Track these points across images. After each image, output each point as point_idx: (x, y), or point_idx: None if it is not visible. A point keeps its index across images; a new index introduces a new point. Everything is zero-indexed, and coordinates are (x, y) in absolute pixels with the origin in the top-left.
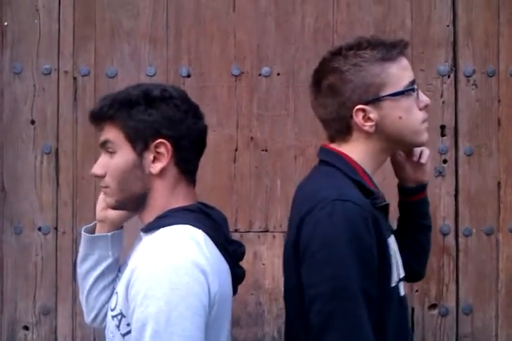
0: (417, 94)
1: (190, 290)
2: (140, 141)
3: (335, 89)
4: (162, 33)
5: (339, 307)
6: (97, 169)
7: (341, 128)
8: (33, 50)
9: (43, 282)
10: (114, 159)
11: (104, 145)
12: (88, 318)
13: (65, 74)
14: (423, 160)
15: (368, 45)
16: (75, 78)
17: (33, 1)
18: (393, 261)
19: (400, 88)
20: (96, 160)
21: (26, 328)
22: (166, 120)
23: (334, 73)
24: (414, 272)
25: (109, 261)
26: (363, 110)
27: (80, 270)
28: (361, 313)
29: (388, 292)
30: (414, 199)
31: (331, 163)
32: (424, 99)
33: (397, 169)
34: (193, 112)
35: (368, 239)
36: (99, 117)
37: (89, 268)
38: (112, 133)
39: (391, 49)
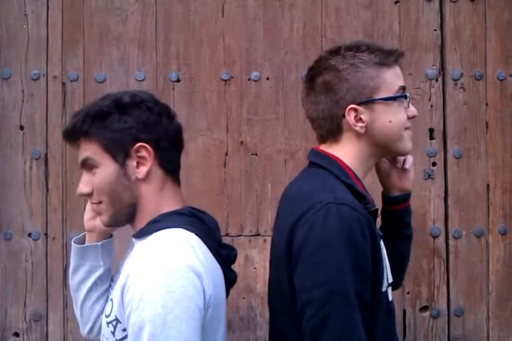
0: (409, 102)
1: (185, 293)
2: (120, 151)
3: (329, 87)
4: (151, 38)
5: (333, 312)
6: (82, 188)
7: (332, 127)
8: (21, 55)
9: (34, 288)
10: (97, 174)
11: (85, 163)
12: (84, 330)
13: (53, 80)
14: (407, 166)
15: (367, 48)
16: (63, 83)
17: (21, 6)
18: (384, 266)
19: (391, 94)
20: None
21: (17, 335)
22: (142, 124)
23: (330, 71)
24: (394, 280)
25: (100, 270)
26: (355, 110)
27: (72, 281)
28: (355, 317)
29: (379, 296)
30: (398, 208)
31: (323, 165)
32: (413, 109)
33: (382, 176)
34: (167, 113)
35: (362, 243)
36: (74, 134)
37: (81, 279)
38: (89, 150)
39: (388, 56)
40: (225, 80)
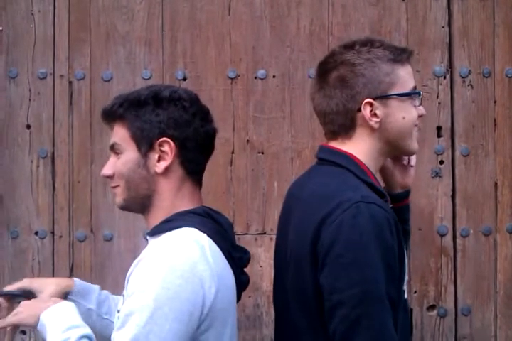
0: (421, 100)
1: (180, 293)
2: (145, 141)
3: (345, 81)
4: (157, 36)
5: (367, 312)
6: (106, 170)
7: (345, 121)
8: (28, 54)
9: None
10: (120, 159)
11: (112, 147)
12: None
13: (60, 78)
14: (412, 163)
15: (381, 44)
16: (70, 82)
17: (28, 5)
18: (406, 264)
19: (406, 91)
20: (92, 164)
21: (23, 332)
22: (172, 121)
23: (346, 66)
24: None
25: (93, 313)
26: (371, 105)
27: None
28: (387, 317)
29: (400, 294)
30: (400, 204)
31: (340, 164)
32: (422, 108)
33: (385, 175)
34: (202, 115)
35: (390, 242)
36: (110, 116)
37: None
38: (119, 134)
39: (401, 53)
40: (232, 78)
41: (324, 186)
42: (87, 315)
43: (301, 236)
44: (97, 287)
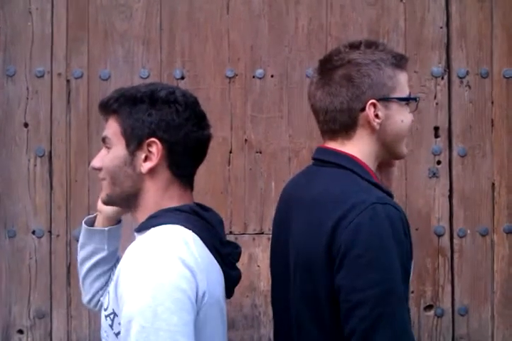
0: (416, 107)
1: (176, 285)
2: (134, 140)
3: (351, 80)
4: (155, 35)
5: (388, 311)
6: (95, 162)
7: (348, 120)
8: (26, 52)
9: (38, 285)
10: (109, 154)
11: (104, 140)
12: (84, 299)
13: (58, 77)
14: (394, 164)
15: (384, 48)
16: (68, 80)
17: (26, 4)
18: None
19: (404, 96)
20: (89, 162)
21: (21, 332)
22: (164, 123)
23: (352, 65)
24: None
25: (103, 253)
26: (375, 106)
27: (78, 256)
28: (406, 316)
29: (408, 294)
30: None
31: (345, 165)
32: (412, 116)
33: None
34: (195, 121)
35: (405, 243)
36: (105, 108)
37: (85, 256)
38: (111, 129)
39: (401, 59)
40: (230, 78)
41: (333, 188)
42: (100, 250)
43: (312, 238)
44: (118, 244)
